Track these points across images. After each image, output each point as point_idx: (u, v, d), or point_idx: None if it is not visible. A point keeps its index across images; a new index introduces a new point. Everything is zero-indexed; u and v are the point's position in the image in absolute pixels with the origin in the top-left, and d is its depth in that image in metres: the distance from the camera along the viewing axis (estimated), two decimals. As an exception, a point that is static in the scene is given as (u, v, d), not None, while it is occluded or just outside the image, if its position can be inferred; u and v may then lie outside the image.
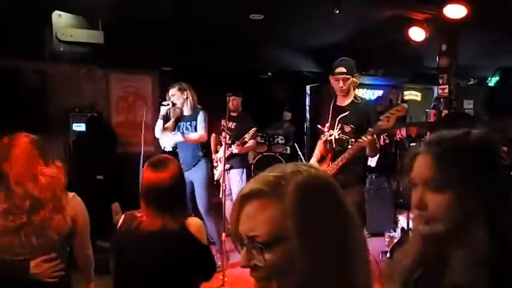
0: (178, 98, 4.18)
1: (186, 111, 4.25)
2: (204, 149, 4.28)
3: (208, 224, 4.07)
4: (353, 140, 3.13)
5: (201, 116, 4.15)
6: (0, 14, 4.23)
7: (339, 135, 3.20)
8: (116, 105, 5.89)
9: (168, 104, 4.15)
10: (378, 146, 3.12)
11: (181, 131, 4.19)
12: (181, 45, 5.77)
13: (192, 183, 4.16)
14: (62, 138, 5.20)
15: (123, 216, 2.04)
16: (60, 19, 4.38)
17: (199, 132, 4.13)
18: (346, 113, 3.20)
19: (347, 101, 3.27)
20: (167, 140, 4.21)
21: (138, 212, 1.97)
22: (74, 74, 5.44)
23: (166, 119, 4.26)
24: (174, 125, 4.28)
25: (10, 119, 4.86)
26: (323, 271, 0.76)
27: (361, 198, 3.26)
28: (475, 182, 0.88)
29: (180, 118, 4.29)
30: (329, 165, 3.21)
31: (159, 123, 4.20)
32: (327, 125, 3.31)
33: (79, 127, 5.21)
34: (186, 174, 4.11)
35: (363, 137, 2.97)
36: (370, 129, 2.97)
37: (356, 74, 3.26)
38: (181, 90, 4.17)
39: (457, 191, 0.89)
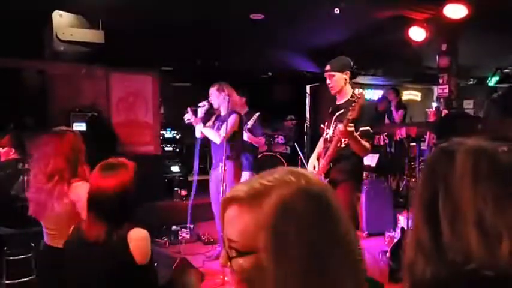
0: (216, 98, 4.11)
1: (223, 112, 4.14)
2: (232, 151, 4.12)
3: None
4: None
5: (231, 119, 4.01)
6: (0, 13, 4.24)
7: (333, 133, 3.16)
8: (116, 104, 5.90)
9: (204, 106, 4.07)
10: (366, 143, 2.96)
11: (215, 130, 4.12)
12: (181, 45, 5.77)
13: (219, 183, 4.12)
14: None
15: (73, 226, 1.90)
16: (61, 19, 4.38)
17: (220, 133, 4.01)
18: (341, 111, 3.14)
19: (343, 99, 3.22)
20: (197, 130, 4.17)
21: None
22: (74, 73, 5.44)
23: (207, 119, 4.21)
24: (212, 124, 4.22)
25: (11, 118, 4.89)
26: None
27: (351, 196, 3.13)
28: None
29: (218, 117, 4.22)
30: (321, 162, 3.22)
31: (199, 125, 4.12)
32: (326, 124, 3.30)
33: (79, 127, 5.21)
34: (215, 175, 4.15)
35: (336, 128, 2.91)
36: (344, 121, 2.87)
37: (347, 71, 3.17)
38: (219, 90, 4.10)
39: None
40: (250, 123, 4.87)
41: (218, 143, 4.01)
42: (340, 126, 2.85)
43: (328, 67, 3.22)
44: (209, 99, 4.13)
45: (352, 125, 2.85)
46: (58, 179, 2.20)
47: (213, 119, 4.25)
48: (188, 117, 4.10)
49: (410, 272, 0.81)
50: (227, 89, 4.12)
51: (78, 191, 2.19)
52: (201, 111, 4.11)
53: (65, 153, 2.26)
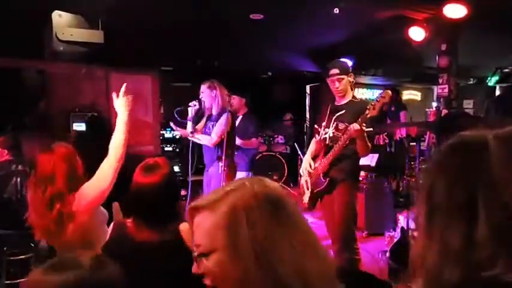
0: (207, 96, 4.02)
1: (215, 111, 4.06)
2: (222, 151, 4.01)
3: None
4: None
5: (222, 119, 3.90)
6: (0, 13, 4.23)
7: (333, 132, 3.21)
8: (116, 105, 5.88)
9: (195, 105, 3.97)
10: (369, 143, 3.05)
11: (207, 131, 4.04)
12: (181, 45, 5.77)
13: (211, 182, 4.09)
14: (62, 138, 5.20)
15: (112, 225, 1.90)
16: (61, 19, 4.37)
17: (212, 136, 3.93)
18: (342, 112, 3.20)
19: (344, 101, 3.29)
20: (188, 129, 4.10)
21: (128, 221, 1.84)
22: (74, 73, 5.44)
23: (197, 120, 4.11)
24: (204, 125, 4.13)
25: (10, 118, 4.88)
26: (252, 282, 0.81)
27: (351, 195, 3.21)
28: None
29: (209, 117, 4.13)
30: (321, 161, 3.24)
31: (188, 125, 4.05)
32: (323, 124, 3.32)
33: (79, 127, 5.21)
34: (208, 175, 4.11)
35: (351, 126, 2.95)
36: (359, 119, 2.94)
37: (351, 74, 3.28)
38: (211, 88, 4.01)
39: None
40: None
41: (212, 146, 3.95)
42: (356, 125, 2.91)
43: (336, 71, 3.23)
44: (200, 97, 4.07)
45: (365, 124, 2.92)
46: (60, 206, 2.01)
47: (204, 119, 4.18)
48: (174, 129, 4.06)
49: (433, 276, 0.71)
50: (218, 87, 4.06)
51: (79, 198, 2.09)
52: (191, 111, 4.03)
53: (62, 175, 2.07)
